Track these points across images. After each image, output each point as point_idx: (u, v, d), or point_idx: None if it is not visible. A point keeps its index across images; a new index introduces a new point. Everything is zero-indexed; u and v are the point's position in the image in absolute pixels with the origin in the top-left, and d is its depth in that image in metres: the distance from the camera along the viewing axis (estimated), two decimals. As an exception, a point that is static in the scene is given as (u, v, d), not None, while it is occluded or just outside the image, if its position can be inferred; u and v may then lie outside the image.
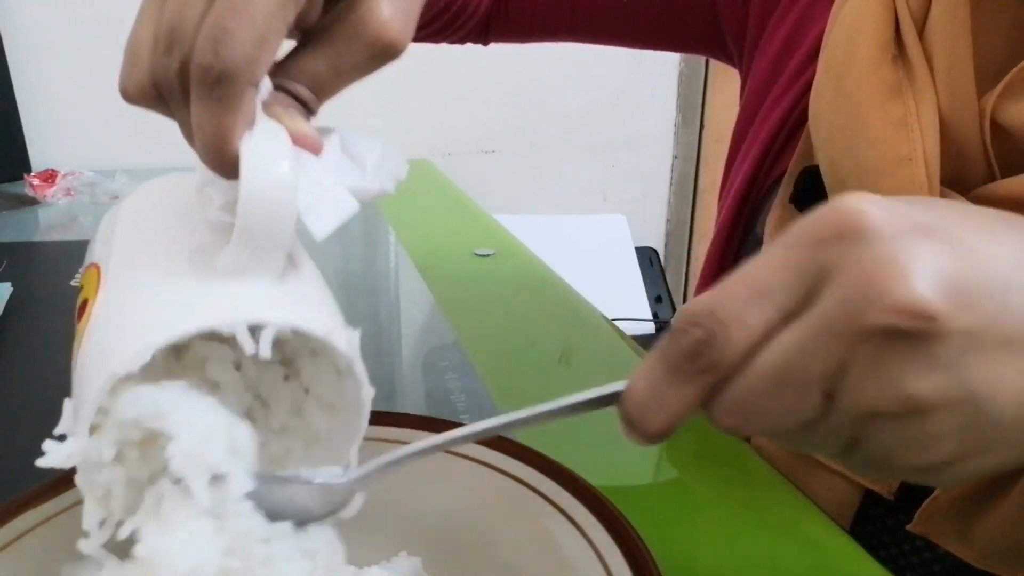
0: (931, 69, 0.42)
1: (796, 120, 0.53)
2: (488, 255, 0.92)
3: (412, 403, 0.58)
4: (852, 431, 0.25)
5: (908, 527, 0.44)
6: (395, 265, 0.93)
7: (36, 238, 1.02)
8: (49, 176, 1.22)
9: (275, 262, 0.30)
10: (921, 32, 0.42)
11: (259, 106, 0.29)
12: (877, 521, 0.48)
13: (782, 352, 0.24)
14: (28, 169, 1.34)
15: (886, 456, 0.25)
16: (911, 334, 0.22)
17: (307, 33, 0.31)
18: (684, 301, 2.08)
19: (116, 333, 0.29)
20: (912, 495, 0.45)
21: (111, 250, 0.33)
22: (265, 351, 0.28)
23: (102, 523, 0.29)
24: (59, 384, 0.30)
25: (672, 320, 0.26)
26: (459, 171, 1.60)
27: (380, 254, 1.01)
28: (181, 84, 0.28)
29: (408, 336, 0.73)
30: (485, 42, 0.72)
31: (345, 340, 0.30)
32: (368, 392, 0.31)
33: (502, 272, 0.88)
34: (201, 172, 0.31)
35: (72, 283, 0.79)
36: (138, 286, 0.30)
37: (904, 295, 0.22)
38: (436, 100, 1.68)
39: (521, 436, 0.51)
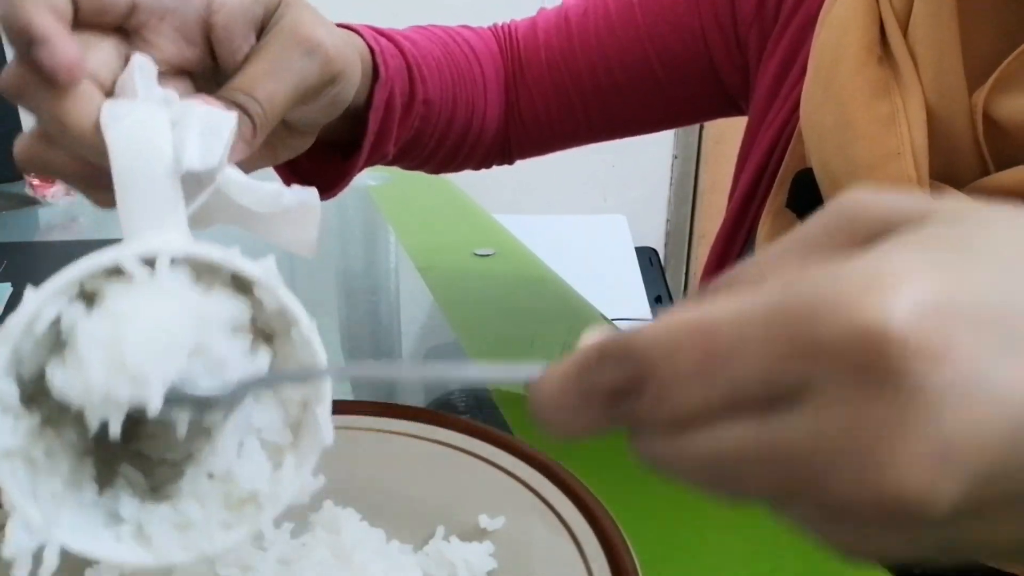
0: (916, 66, 0.43)
1: (792, 129, 0.53)
2: (488, 255, 0.92)
3: (412, 402, 0.58)
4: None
5: None
6: (395, 265, 0.93)
7: (36, 238, 1.02)
8: (49, 176, 1.22)
9: (172, 217, 0.28)
10: (905, 31, 0.43)
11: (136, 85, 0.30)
12: None
13: (717, 449, 0.19)
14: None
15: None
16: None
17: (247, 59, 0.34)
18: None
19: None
20: None
21: None
22: (163, 272, 0.26)
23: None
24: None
25: (605, 334, 0.21)
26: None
27: (380, 254, 1.01)
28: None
29: (408, 336, 0.73)
30: (511, 161, 0.70)
31: (261, 266, 0.28)
32: (308, 325, 0.28)
33: (502, 272, 0.88)
34: None
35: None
36: None
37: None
38: (436, 100, 1.68)
39: (521, 436, 0.51)
